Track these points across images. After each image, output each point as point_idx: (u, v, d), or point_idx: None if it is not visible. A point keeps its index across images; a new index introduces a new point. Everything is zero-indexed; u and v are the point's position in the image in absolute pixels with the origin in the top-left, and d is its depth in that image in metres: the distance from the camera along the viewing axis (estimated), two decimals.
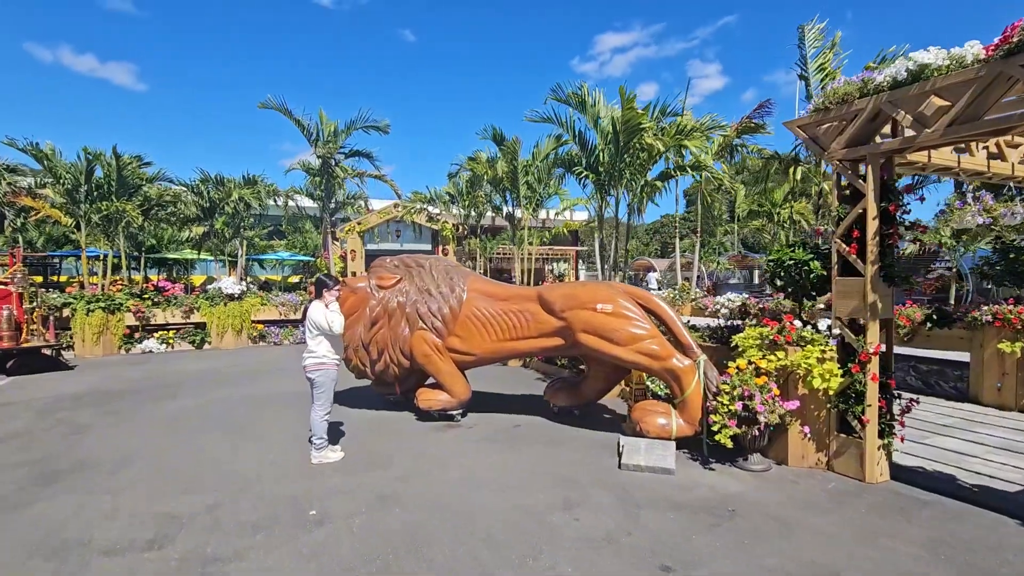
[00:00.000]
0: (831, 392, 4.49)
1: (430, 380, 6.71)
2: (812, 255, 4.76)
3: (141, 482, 4.63)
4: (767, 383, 4.61)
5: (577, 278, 29.19)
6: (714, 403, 4.79)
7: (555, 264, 28.46)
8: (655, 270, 22.46)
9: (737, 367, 4.79)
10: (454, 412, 6.39)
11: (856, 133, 4.43)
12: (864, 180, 4.39)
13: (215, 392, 8.15)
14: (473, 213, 12.98)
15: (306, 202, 18.54)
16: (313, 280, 6.38)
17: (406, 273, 6.63)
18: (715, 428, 4.69)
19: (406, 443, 5.64)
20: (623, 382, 6.63)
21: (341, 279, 6.02)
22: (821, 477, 4.57)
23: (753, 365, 4.78)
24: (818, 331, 4.76)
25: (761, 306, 9.95)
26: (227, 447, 5.54)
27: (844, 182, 4.66)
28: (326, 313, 5.01)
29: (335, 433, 5.78)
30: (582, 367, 9.08)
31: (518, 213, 12.33)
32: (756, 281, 28.25)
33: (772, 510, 3.98)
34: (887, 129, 4.55)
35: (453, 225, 14.64)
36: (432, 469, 4.88)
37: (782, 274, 4.90)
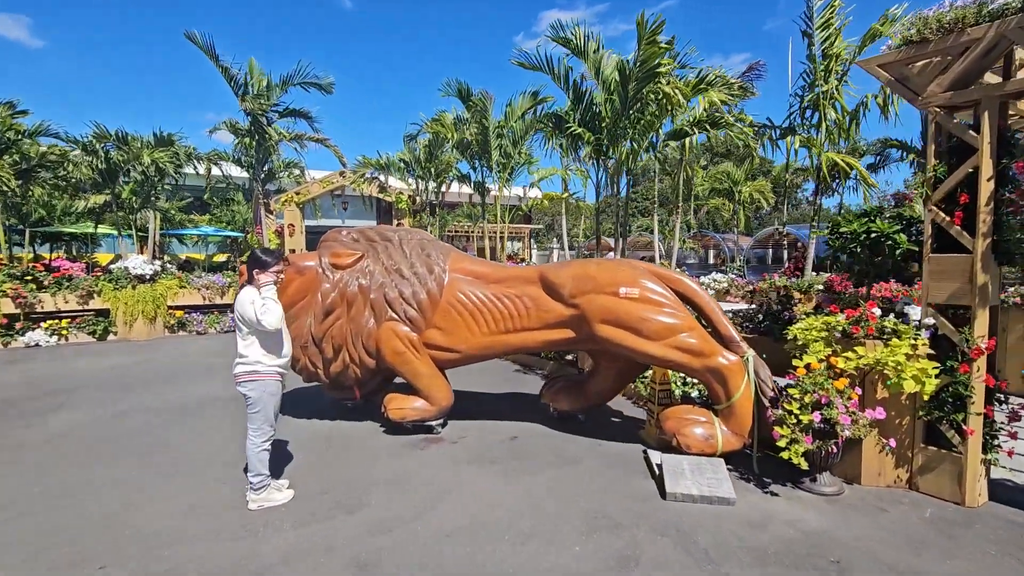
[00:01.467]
0: (925, 396, 3.64)
1: (399, 380, 5.43)
2: (898, 227, 3.85)
3: (3, 550, 3.13)
4: (847, 387, 3.70)
5: (530, 257, 28.17)
6: (777, 412, 3.84)
7: (509, 243, 27.26)
8: (612, 250, 21.76)
9: (807, 366, 3.85)
10: (433, 423, 5.16)
11: (966, 70, 3.51)
12: (976, 131, 3.49)
13: (119, 401, 6.44)
14: (432, 184, 11.48)
15: (234, 171, 16.23)
16: (242, 259, 4.75)
17: (369, 249, 5.26)
18: (782, 444, 3.75)
19: (377, 469, 4.36)
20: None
21: (284, 256, 4.48)
22: (908, 500, 3.74)
23: (824, 363, 3.85)
24: (905, 321, 3.88)
25: (752, 288, 9.23)
26: (133, 486, 4.04)
27: (938, 133, 3.75)
28: (256, 301, 3.60)
29: (280, 458, 4.42)
30: (569, 357, 8.02)
31: (487, 183, 10.96)
32: (711, 260, 28.37)
33: (881, 554, 3.08)
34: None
35: (409, 197, 13.05)
36: (421, 510, 3.65)
37: (858, 250, 3.96)
